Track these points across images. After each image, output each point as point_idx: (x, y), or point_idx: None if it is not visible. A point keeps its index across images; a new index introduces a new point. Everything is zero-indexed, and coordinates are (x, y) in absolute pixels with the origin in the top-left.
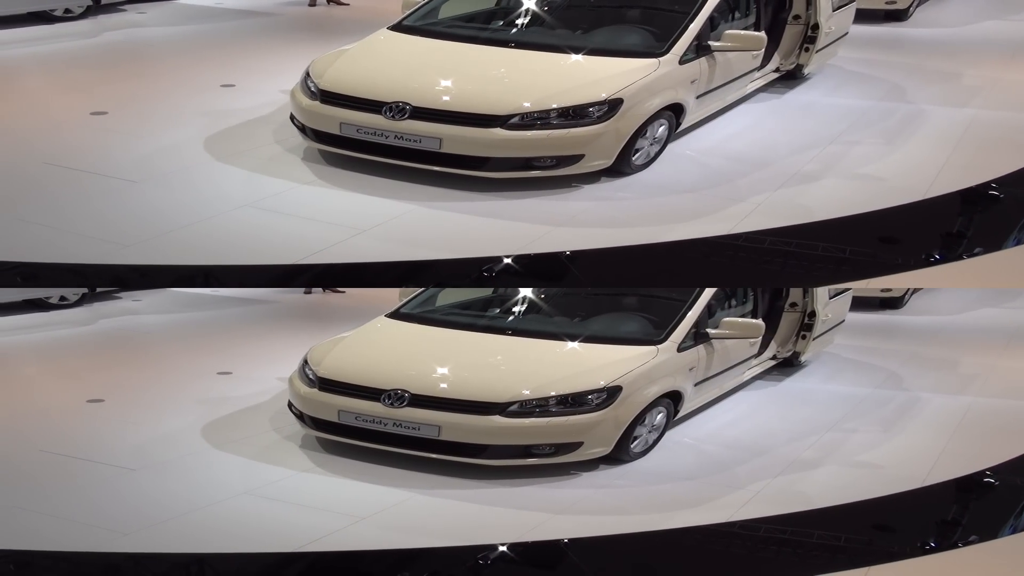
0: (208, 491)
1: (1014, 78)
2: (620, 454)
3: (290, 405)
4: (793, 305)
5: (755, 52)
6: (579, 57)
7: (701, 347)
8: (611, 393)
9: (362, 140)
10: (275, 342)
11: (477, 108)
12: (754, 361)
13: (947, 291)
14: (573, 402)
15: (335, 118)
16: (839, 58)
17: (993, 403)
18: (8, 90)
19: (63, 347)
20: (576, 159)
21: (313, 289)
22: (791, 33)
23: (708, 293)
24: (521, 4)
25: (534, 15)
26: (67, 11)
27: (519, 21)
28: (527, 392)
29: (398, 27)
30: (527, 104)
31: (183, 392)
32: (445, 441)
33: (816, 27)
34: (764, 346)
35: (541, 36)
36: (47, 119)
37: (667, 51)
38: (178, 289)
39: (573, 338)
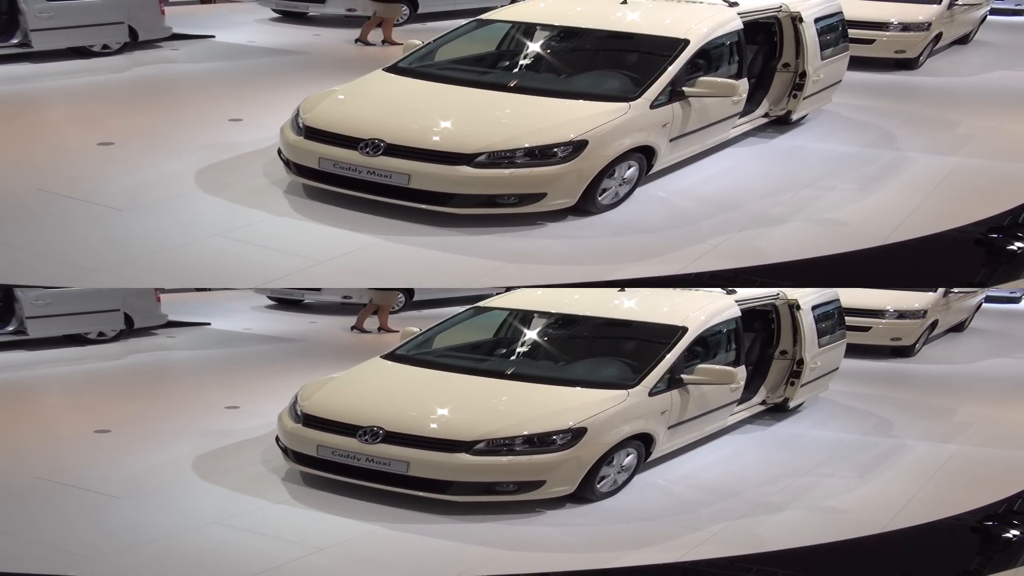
0: (182, 519)
1: (1009, 128)
2: (585, 493)
3: (277, 439)
4: (783, 353)
5: (731, 98)
6: (553, 100)
7: (675, 392)
8: (576, 434)
9: (338, 175)
10: (293, 379)
11: (444, 146)
12: (737, 406)
13: (963, 340)
14: (539, 442)
15: (315, 153)
16: (837, 104)
17: (978, 452)
18: (27, 120)
19: (87, 380)
20: (539, 197)
21: (366, 328)
22: (780, 80)
23: (686, 340)
24: (514, 49)
25: (523, 59)
26: (104, 47)
27: (507, 65)
28: (494, 431)
29: (392, 68)
30: (493, 143)
31: (188, 424)
32: (413, 477)
33: (804, 75)
34: (753, 391)
35: (523, 79)
36: (55, 148)
37: (639, 96)
38: (213, 327)
39: (549, 381)
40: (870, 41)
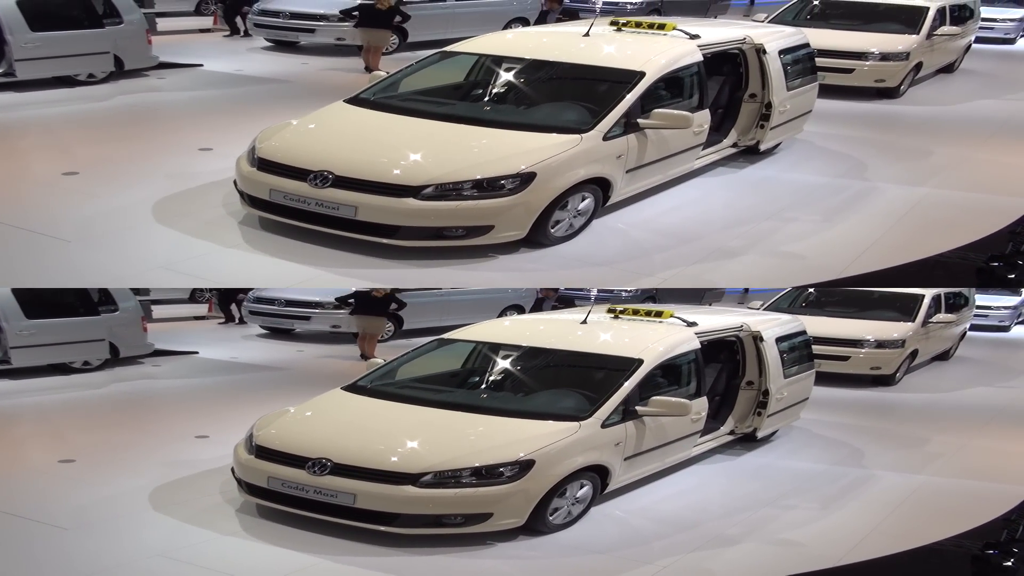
0: (126, 552)
1: (983, 157)
2: (537, 525)
3: (233, 471)
4: (749, 383)
5: (692, 129)
6: (506, 131)
7: (631, 423)
8: (524, 466)
9: (288, 206)
10: (270, 408)
11: (391, 178)
12: (703, 437)
13: (948, 369)
14: (487, 474)
15: (266, 184)
16: (813, 133)
17: (946, 483)
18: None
19: (63, 409)
20: (486, 230)
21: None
22: (747, 110)
23: (640, 372)
24: (476, 81)
25: (483, 91)
26: (90, 76)
27: (467, 97)
28: (440, 463)
29: (353, 99)
30: (440, 175)
31: (153, 454)
32: (360, 509)
33: (770, 105)
34: (721, 421)
35: (479, 111)
36: (17, 177)
37: (592, 128)
38: (200, 355)
39: (504, 413)
40: (849, 70)
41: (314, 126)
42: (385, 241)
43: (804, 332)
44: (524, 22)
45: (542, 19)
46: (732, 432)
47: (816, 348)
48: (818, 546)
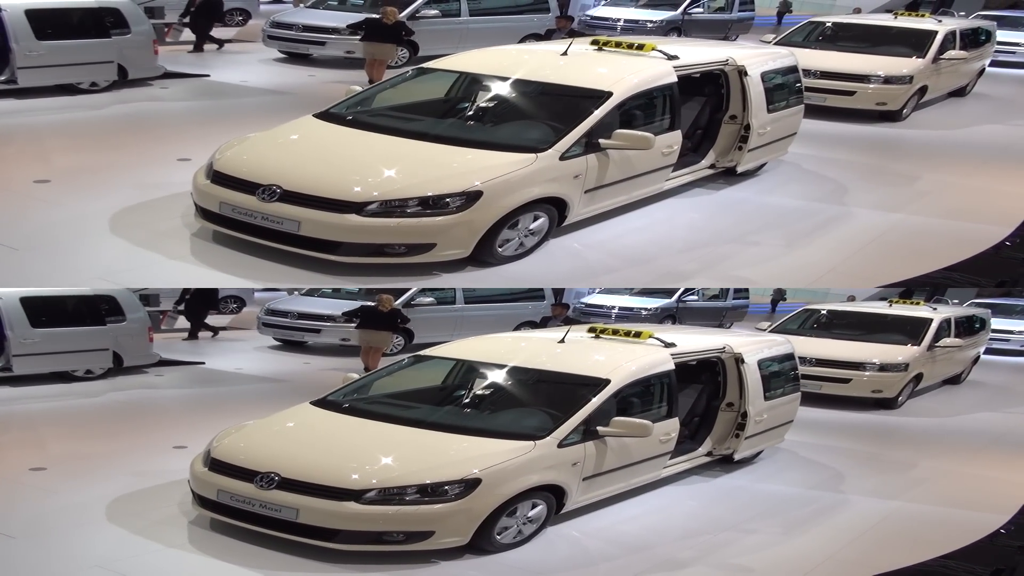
0: (66, 562)
1: (969, 184)
2: (483, 544)
3: (189, 483)
4: (730, 405)
5: (661, 150)
6: (463, 149)
7: (591, 444)
8: (469, 485)
9: (236, 219)
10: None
11: (335, 193)
12: (677, 458)
13: (957, 393)
14: (432, 492)
15: (217, 197)
16: (801, 155)
17: (919, 510)
18: None
19: (50, 417)
20: (428, 248)
21: None
22: (727, 132)
23: (605, 393)
24: (450, 98)
25: (453, 109)
26: (93, 84)
27: (436, 114)
28: (385, 480)
29: (322, 114)
30: (385, 192)
31: (125, 464)
32: (302, 524)
33: (749, 127)
34: (699, 442)
35: (442, 128)
36: None
37: (549, 147)
38: (206, 366)
39: (463, 431)
40: (851, 93)
41: (274, 140)
42: (327, 257)
43: (791, 355)
44: (539, 39)
45: (548, 38)
46: (710, 454)
47: (817, 370)
48: (768, 572)
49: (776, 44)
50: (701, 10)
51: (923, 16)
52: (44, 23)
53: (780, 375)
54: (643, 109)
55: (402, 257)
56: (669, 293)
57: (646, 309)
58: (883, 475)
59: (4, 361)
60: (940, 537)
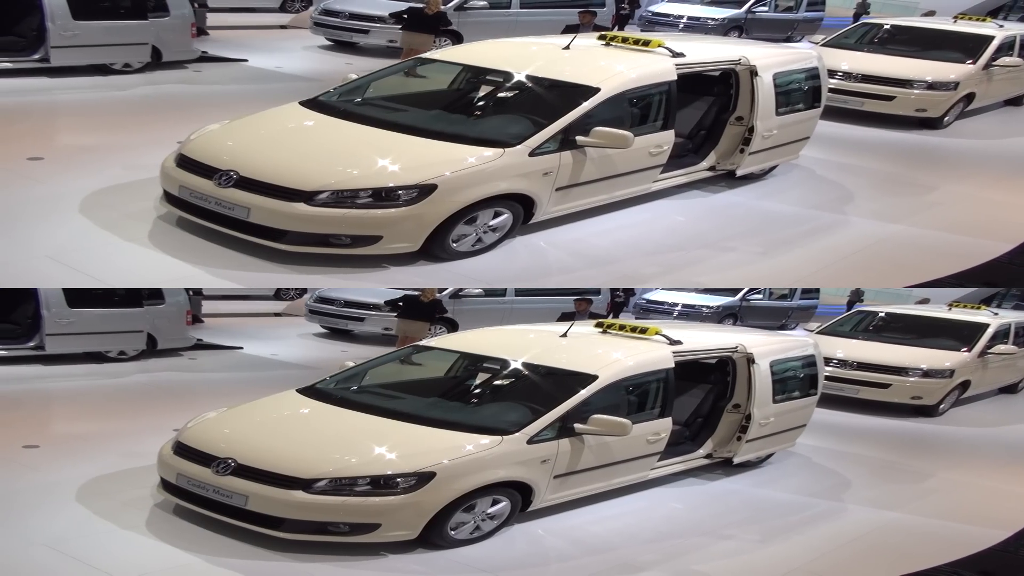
0: (17, 539)
1: (989, 197)
2: (434, 538)
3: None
4: (736, 407)
5: (652, 150)
6: (430, 141)
7: (565, 441)
8: (422, 478)
9: (193, 204)
10: None
11: (285, 181)
12: (659, 459)
13: (1009, 402)
14: (384, 484)
15: (177, 180)
16: (816, 160)
17: (915, 522)
18: None
19: (66, 396)
20: (374, 240)
21: None
22: (731, 133)
23: (590, 389)
24: (440, 89)
25: (442, 99)
26: (126, 65)
27: (423, 104)
28: (336, 470)
29: (308, 101)
30: (336, 182)
31: (118, 445)
32: (250, 511)
33: (752, 129)
34: (699, 444)
35: (418, 119)
36: None
37: (519, 142)
38: (244, 351)
39: (436, 423)
40: (890, 98)
41: (247, 126)
42: (272, 245)
43: (811, 358)
44: (568, 31)
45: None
46: (709, 456)
47: (857, 374)
48: None
49: (824, 45)
50: (766, 9)
51: (984, 20)
52: (82, 3)
53: (795, 378)
54: (634, 107)
55: (347, 248)
56: (733, 292)
57: (708, 307)
58: (892, 484)
59: (38, 340)
60: (927, 551)
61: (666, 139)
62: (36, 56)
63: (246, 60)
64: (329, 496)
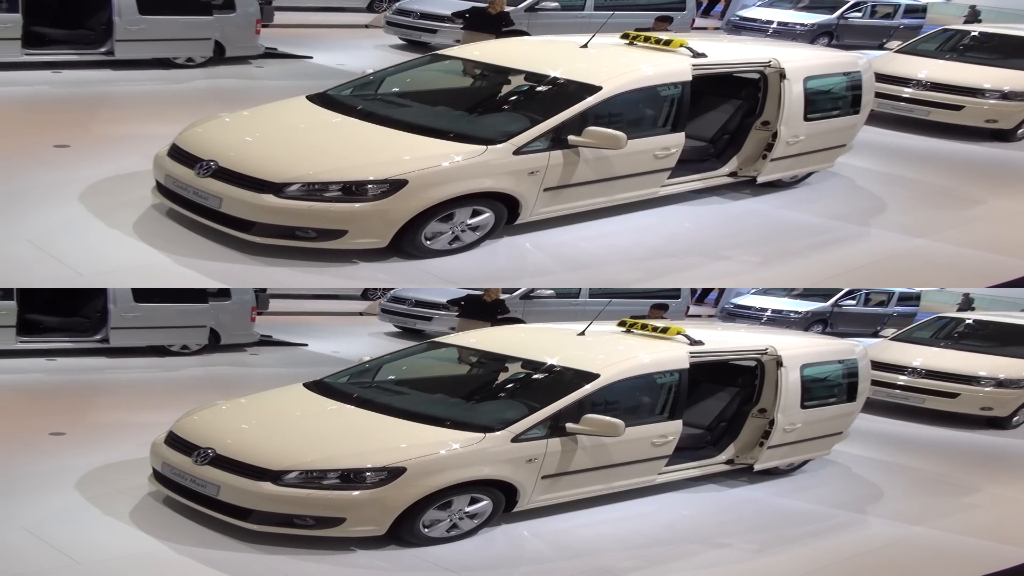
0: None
1: None
2: (406, 535)
3: None
4: (763, 411)
5: (657, 152)
6: (415, 136)
7: (556, 440)
8: (392, 473)
9: (175, 192)
10: None
11: (259, 173)
12: (665, 463)
13: None
14: (354, 478)
15: (164, 169)
16: (858, 170)
17: (939, 538)
18: (24, 118)
19: (113, 387)
20: (339, 234)
21: None
22: (755, 138)
23: (588, 388)
24: (449, 86)
25: (446, 95)
26: (189, 59)
27: (427, 100)
28: (306, 463)
29: (314, 95)
30: (306, 174)
31: (140, 435)
32: (221, 501)
33: (776, 135)
34: (720, 449)
35: (413, 115)
36: (9, 145)
37: (504, 140)
38: (307, 348)
39: (426, 419)
40: (959, 107)
41: (242, 118)
42: (241, 236)
43: (854, 363)
44: None
45: None
46: (731, 462)
47: (925, 383)
48: None
49: (899, 51)
50: (860, 15)
51: None
52: None
53: (830, 383)
54: (640, 107)
55: (313, 242)
56: (825, 296)
57: (796, 312)
58: (930, 498)
59: (103, 333)
60: (936, 569)
61: (674, 142)
62: (102, 49)
63: (311, 57)
64: (296, 489)
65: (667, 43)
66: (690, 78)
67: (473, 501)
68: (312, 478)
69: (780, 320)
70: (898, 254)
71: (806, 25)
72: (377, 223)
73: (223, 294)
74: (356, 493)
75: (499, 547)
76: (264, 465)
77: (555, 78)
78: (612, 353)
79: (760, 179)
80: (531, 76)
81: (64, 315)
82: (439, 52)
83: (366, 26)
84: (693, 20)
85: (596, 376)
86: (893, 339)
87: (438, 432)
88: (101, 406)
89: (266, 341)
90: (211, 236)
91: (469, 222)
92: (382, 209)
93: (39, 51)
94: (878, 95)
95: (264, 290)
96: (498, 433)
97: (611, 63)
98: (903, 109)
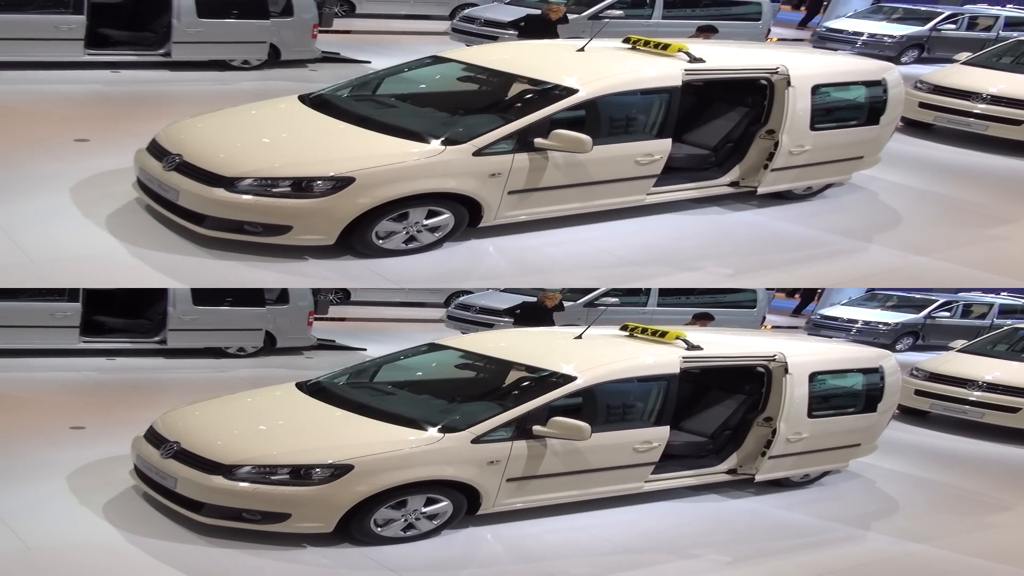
0: None
1: None
2: (356, 533)
3: None
4: (768, 420)
5: (639, 158)
6: (376, 135)
7: (521, 443)
8: (339, 470)
9: (147, 186)
10: None
11: (213, 167)
12: (651, 470)
13: None
14: (303, 474)
15: (139, 162)
16: (886, 184)
17: (943, 557)
18: (60, 113)
19: (157, 386)
20: (284, 230)
21: None
22: (759, 147)
23: (561, 391)
24: (435, 87)
25: (435, 98)
26: (244, 61)
27: (409, 101)
28: (257, 457)
29: (307, 96)
30: (256, 169)
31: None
32: (178, 494)
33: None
34: (722, 458)
35: (387, 115)
36: (32, 138)
37: (464, 141)
38: (364, 353)
39: (387, 418)
40: (1019, 122)
41: (224, 115)
42: (194, 228)
43: (875, 372)
44: None
45: None
46: (733, 472)
47: (985, 396)
48: None
49: (965, 63)
50: (954, 27)
51: None
52: (209, 1)
53: (845, 393)
54: (621, 111)
55: (260, 237)
56: (918, 308)
57: (884, 324)
58: (949, 515)
59: (161, 335)
60: None
61: (658, 148)
62: (160, 51)
63: (369, 62)
64: (245, 483)
65: (665, 47)
66: (679, 83)
67: (431, 502)
68: (262, 473)
69: (868, 331)
70: (889, 270)
71: (895, 37)
72: (321, 220)
73: (281, 299)
74: (300, 489)
75: (454, 549)
76: (217, 459)
77: (533, 80)
78: (596, 356)
79: (761, 190)
80: (515, 79)
81: (129, 317)
82: (440, 54)
83: (443, 33)
84: (769, 30)
85: (572, 379)
86: (962, 351)
87: (396, 431)
88: (134, 403)
89: (324, 345)
90: (176, 230)
91: (426, 223)
92: (326, 206)
93: (101, 51)
94: (935, 108)
95: (331, 293)
96: (459, 434)
97: (595, 67)
98: (961, 123)
